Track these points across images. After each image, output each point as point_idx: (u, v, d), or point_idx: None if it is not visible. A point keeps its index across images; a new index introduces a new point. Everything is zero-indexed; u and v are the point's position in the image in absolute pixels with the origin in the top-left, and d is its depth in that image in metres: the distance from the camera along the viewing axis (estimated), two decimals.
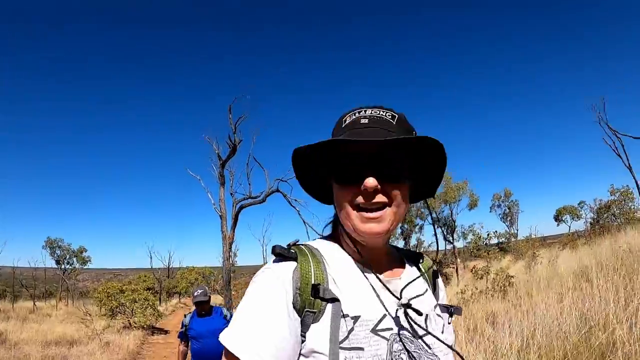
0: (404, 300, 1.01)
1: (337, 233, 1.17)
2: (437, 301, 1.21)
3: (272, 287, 0.97)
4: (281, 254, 1.02)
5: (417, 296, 1.10)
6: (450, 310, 1.18)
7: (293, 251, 1.05)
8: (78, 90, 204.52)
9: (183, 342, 5.75)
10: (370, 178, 0.97)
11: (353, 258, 1.09)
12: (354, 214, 1.02)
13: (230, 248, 16.99)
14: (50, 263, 48.80)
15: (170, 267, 48.73)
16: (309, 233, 16.21)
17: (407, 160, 1.06)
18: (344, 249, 1.12)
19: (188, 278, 45.78)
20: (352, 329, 0.95)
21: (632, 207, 25.22)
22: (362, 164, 1.00)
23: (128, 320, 18.14)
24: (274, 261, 1.03)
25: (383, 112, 1.06)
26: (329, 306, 0.96)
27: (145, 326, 17.67)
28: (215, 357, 5.36)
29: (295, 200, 16.97)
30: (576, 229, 37.29)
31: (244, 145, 18.09)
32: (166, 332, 18.32)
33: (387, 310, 1.02)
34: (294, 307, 0.95)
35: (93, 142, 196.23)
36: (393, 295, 1.03)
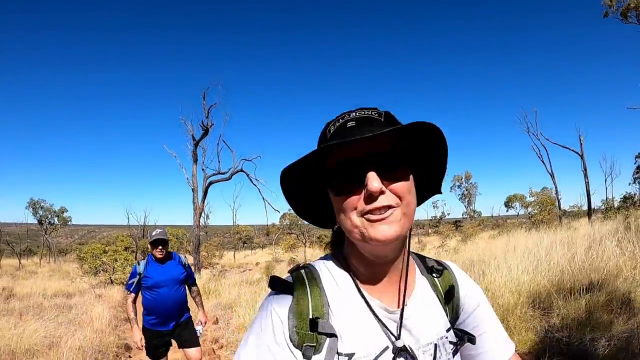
0: (399, 342, 0.93)
1: (342, 252, 1.07)
2: (455, 322, 1.09)
3: (271, 327, 0.93)
4: (277, 288, 0.98)
5: (422, 322, 1.01)
6: (462, 337, 1.04)
7: (289, 282, 0.98)
8: (65, 64, 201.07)
9: (133, 294, 4.92)
10: (373, 180, 0.86)
11: (359, 280, 1.00)
12: (359, 220, 0.89)
13: (199, 217, 19.74)
14: (32, 221, 50.94)
15: (146, 225, 50.44)
16: (267, 209, 19.11)
17: (406, 153, 0.95)
18: (349, 269, 1.02)
19: None
20: None
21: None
22: (360, 165, 0.89)
23: (109, 277, 20.72)
24: (274, 293, 0.98)
25: (368, 111, 0.96)
26: (327, 341, 0.91)
27: (124, 282, 20.15)
28: (171, 308, 4.97)
29: (257, 179, 19.82)
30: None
31: (215, 127, 20.74)
32: None
33: (391, 342, 0.95)
34: (293, 343, 0.90)
35: (80, 114, 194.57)
36: (390, 332, 0.95)
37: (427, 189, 1.10)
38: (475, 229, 34.70)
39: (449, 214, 68.78)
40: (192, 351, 5.07)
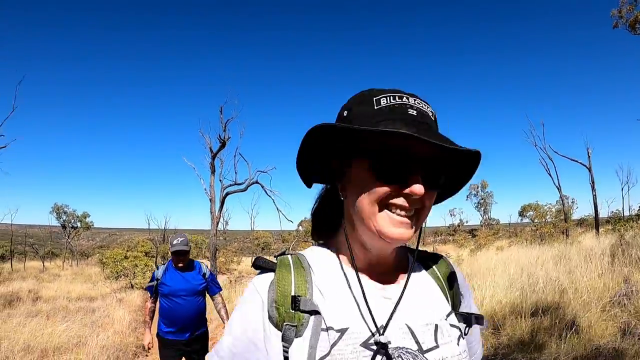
0: (383, 338, 0.86)
1: (334, 238, 1.06)
2: (457, 308, 1.05)
3: (249, 304, 0.94)
4: (261, 267, 0.98)
5: (417, 303, 0.97)
6: (469, 319, 1.01)
7: (274, 262, 0.99)
8: (91, 76, 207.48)
9: (152, 298, 5.02)
10: (420, 186, 0.85)
11: (349, 264, 0.99)
12: (382, 214, 0.88)
13: (217, 226, 20.52)
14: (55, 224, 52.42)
15: (166, 230, 50.75)
16: (281, 219, 19.83)
17: (447, 167, 0.94)
18: (340, 254, 1.02)
19: None
20: (335, 343, 0.86)
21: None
22: (411, 163, 0.86)
23: (130, 282, 21.54)
24: (258, 273, 0.98)
25: (425, 106, 0.92)
26: (311, 319, 0.88)
27: (144, 287, 20.95)
28: (186, 319, 4.87)
29: (271, 190, 20.58)
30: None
31: (232, 139, 21.58)
32: None
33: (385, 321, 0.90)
34: (271, 321, 0.90)
35: (102, 130, 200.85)
36: (371, 316, 0.89)
37: (441, 195, 1.07)
38: (489, 237, 35.02)
39: (467, 221, 69.17)
40: None
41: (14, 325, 8.09)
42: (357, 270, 0.95)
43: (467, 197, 61.29)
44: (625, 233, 12.47)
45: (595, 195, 27.04)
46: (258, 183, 20.66)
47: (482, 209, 61.60)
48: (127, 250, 26.63)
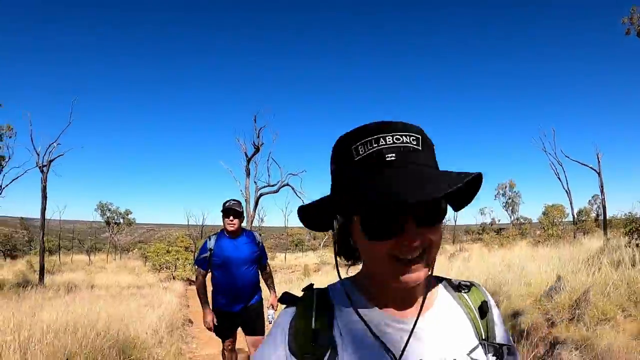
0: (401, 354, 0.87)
1: (359, 267, 1.02)
2: (487, 339, 0.99)
3: (272, 338, 0.95)
4: (287, 301, 0.99)
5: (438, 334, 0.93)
6: (500, 350, 0.97)
7: (298, 297, 0.99)
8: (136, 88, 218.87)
9: (202, 272, 4.78)
10: (414, 233, 0.82)
11: (370, 300, 0.95)
12: (390, 267, 0.85)
13: (252, 225, 22.45)
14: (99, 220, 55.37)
15: (204, 226, 52.84)
16: None
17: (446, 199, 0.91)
18: (362, 288, 0.98)
19: None
20: None
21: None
22: (399, 214, 0.82)
23: (171, 274, 23.57)
24: (284, 309, 0.99)
25: (405, 137, 0.85)
26: (327, 354, 0.89)
27: (184, 278, 22.74)
28: (240, 288, 4.72)
29: (301, 192, 22.51)
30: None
31: (265, 145, 23.53)
32: None
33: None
34: (292, 352, 0.91)
35: (146, 134, 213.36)
36: (392, 354, 0.88)
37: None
38: (514, 237, 35.91)
39: (499, 220, 69.53)
40: (251, 340, 4.89)
41: (87, 303, 9.90)
42: (381, 303, 0.93)
43: (495, 196, 61.73)
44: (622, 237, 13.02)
45: (604, 198, 27.93)
46: (289, 185, 22.60)
47: (510, 208, 61.97)
48: (169, 245, 28.77)
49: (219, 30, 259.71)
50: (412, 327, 0.90)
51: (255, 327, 4.86)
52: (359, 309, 0.94)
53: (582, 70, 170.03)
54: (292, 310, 0.97)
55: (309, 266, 28.88)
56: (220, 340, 5.04)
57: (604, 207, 27.91)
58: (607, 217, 27.66)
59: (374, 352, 0.88)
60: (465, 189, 0.92)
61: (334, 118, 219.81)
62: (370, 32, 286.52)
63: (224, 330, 4.83)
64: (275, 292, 5.14)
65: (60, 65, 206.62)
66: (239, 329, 4.93)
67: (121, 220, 55.31)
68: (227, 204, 4.73)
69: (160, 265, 24.41)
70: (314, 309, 0.95)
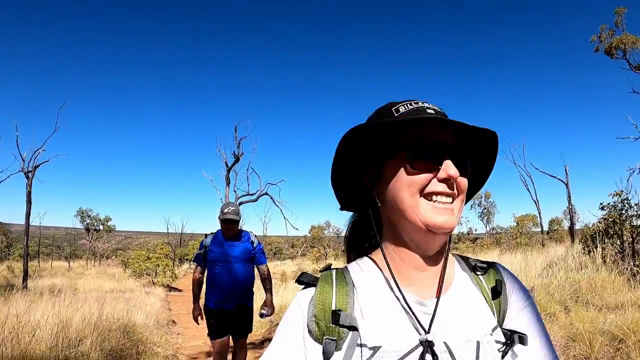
0: (429, 336, 0.85)
1: (377, 253, 1.03)
2: (502, 323, 0.96)
3: (292, 318, 0.95)
4: (304, 282, 0.98)
5: (458, 318, 0.92)
6: (511, 337, 0.92)
7: (316, 277, 0.99)
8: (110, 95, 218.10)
9: (199, 268, 4.95)
10: (452, 166, 0.87)
11: (391, 275, 0.93)
12: (424, 204, 0.88)
13: None
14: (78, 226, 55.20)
15: (183, 234, 53.06)
16: (287, 227, 22.53)
17: (470, 151, 0.97)
18: (382, 268, 0.98)
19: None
20: None
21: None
22: (440, 149, 0.89)
23: (152, 280, 23.84)
24: (301, 289, 0.98)
25: (436, 107, 0.95)
26: (349, 335, 0.88)
27: (164, 285, 23.17)
28: (233, 286, 4.79)
29: (280, 201, 23.40)
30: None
31: (245, 155, 24.38)
32: (180, 290, 23.87)
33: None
34: (312, 335, 0.91)
35: (124, 141, 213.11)
36: (419, 323, 0.87)
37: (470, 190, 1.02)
38: (488, 246, 37.11)
39: (476, 229, 70.61)
40: (236, 339, 5.03)
41: (75, 303, 10.56)
42: (398, 286, 0.91)
43: (472, 207, 62.97)
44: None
45: (571, 209, 29.40)
46: (267, 194, 23.40)
47: (486, 218, 63.24)
48: (149, 252, 29.28)
49: (201, 40, 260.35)
50: (434, 308, 0.90)
51: (241, 326, 4.98)
52: (381, 285, 0.95)
53: (553, 86, 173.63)
54: (310, 291, 0.97)
55: (286, 273, 29.54)
56: (206, 336, 5.14)
57: (571, 217, 29.32)
58: (580, 227, 28.64)
59: (399, 330, 0.88)
60: (485, 153, 1.01)
61: (313, 128, 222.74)
62: (350, 40, 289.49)
63: (215, 328, 4.86)
64: (271, 294, 5.18)
65: (42, 72, 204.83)
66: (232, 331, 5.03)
67: (101, 227, 55.29)
68: (226, 212, 4.85)
69: (141, 272, 24.86)
70: (334, 289, 0.94)
